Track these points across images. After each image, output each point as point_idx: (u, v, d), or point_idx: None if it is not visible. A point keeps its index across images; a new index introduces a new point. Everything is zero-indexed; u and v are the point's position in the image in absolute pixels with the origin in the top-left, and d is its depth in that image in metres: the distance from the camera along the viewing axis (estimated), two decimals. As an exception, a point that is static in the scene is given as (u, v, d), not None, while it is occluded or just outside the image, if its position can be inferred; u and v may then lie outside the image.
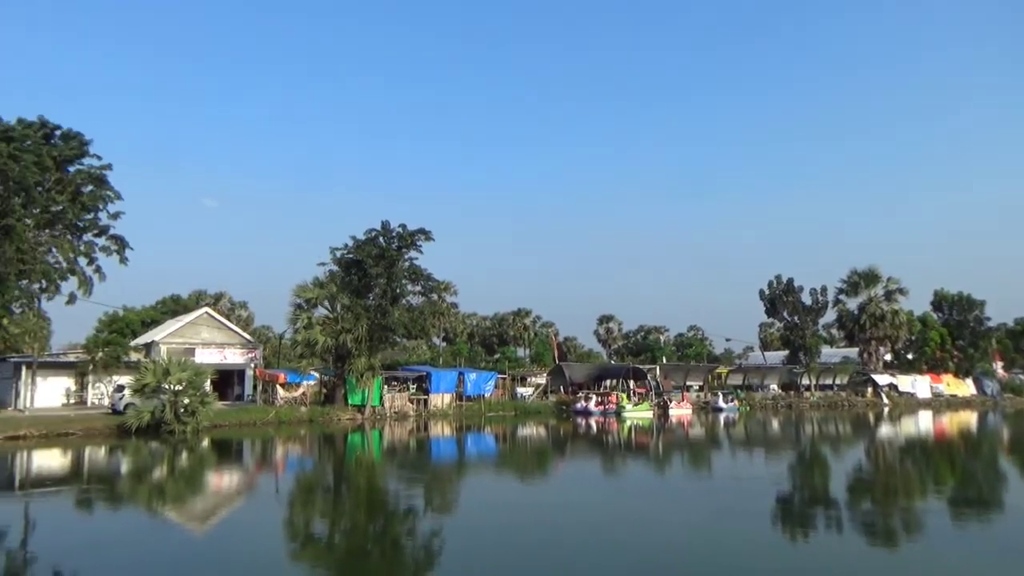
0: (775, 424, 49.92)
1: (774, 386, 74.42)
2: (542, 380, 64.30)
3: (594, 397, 57.49)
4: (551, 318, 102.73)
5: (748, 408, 63.47)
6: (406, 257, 48.17)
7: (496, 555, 12.96)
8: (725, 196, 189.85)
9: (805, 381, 74.82)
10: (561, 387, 62.61)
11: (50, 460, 29.29)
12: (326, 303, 47.16)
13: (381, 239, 47.69)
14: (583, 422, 49.60)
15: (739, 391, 67.37)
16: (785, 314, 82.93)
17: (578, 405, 56.17)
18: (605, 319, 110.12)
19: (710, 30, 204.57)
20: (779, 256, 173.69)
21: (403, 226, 48.08)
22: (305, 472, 26.59)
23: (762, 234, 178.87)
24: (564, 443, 38.19)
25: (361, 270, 47.24)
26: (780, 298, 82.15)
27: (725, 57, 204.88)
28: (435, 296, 50.57)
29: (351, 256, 47.74)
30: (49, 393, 46.47)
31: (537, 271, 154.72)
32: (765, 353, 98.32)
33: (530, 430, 44.43)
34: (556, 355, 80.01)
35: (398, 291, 48.13)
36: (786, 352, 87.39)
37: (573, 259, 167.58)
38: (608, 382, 65.76)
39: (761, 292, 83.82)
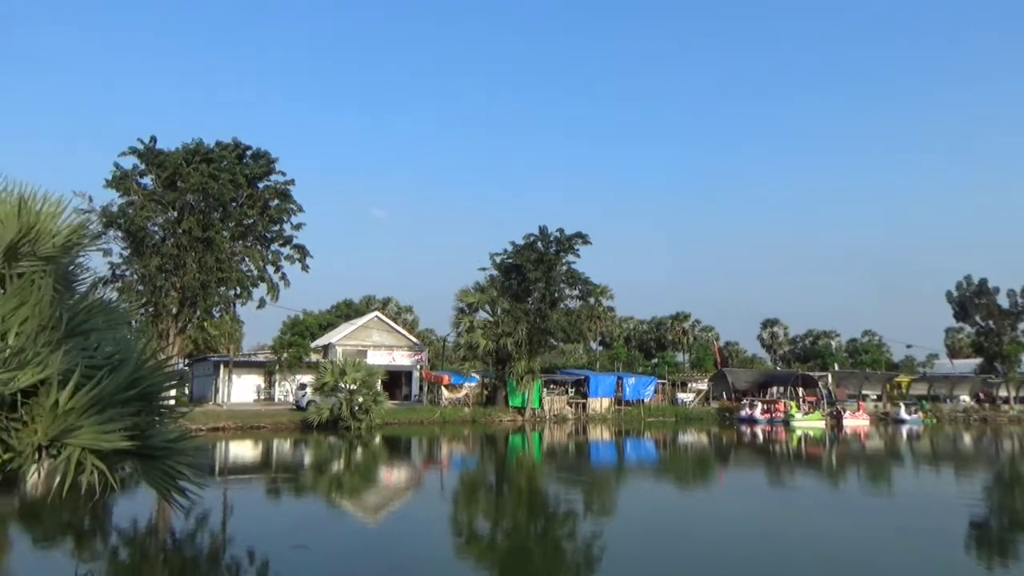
0: (967, 439, 45.42)
1: (965, 397, 67.82)
2: (703, 386, 62.55)
3: (760, 404, 55.10)
4: (711, 322, 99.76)
5: (935, 421, 58.23)
6: (564, 261, 48.67)
7: (656, 562, 12.75)
8: (901, 189, 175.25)
9: (1003, 392, 67.49)
10: (723, 393, 60.57)
11: (244, 450, 32.31)
12: (487, 307, 48.59)
13: (539, 244, 48.51)
14: (748, 430, 47.67)
15: (924, 402, 61.95)
16: (977, 318, 75.19)
17: (743, 413, 54.07)
18: (769, 323, 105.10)
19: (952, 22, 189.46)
20: (969, 255, 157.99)
21: (560, 230, 48.67)
22: (469, 470, 27.52)
23: (949, 231, 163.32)
24: (728, 451, 36.89)
25: (520, 275, 48.28)
26: (971, 301, 74.60)
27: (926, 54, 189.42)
28: (592, 300, 50.65)
29: (511, 261, 48.92)
30: (243, 389, 51.20)
31: (695, 273, 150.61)
32: (953, 361, 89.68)
33: (691, 437, 43.34)
34: (718, 360, 77.49)
35: (556, 295, 48.73)
36: (979, 360, 79.23)
37: (734, 260, 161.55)
38: (774, 389, 62.79)
39: (948, 294, 76.59)
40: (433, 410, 47.15)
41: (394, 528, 16.27)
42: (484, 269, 49.80)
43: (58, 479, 6.28)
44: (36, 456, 6.00)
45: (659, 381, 59.05)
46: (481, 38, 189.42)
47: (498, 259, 49.64)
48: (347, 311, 76.22)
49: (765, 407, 54.58)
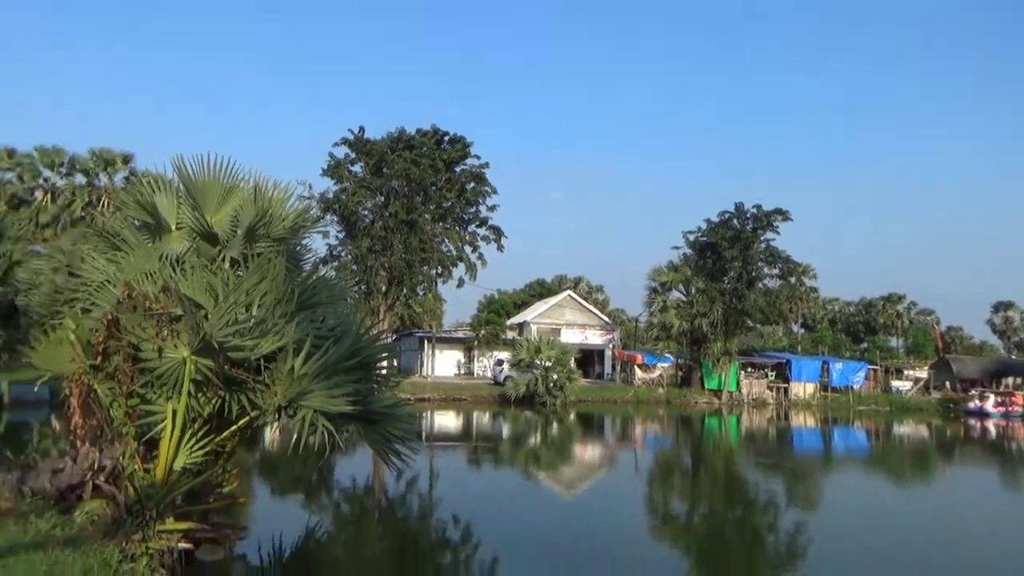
0: None
1: None
2: (922, 374, 56.92)
3: (992, 396, 49.15)
4: (930, 304, 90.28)
5: None
6: (762, 239, 46.26)
7: (869, 562, 11.82)
8: None
9: None
10: (947, 383, 54.73)
11: (447, 420, 34.25)
12: (680, 286, 47.48)
13: (735, 221, 46.48)
14: (977, 424, 42.75)
15: None
16: None
17: (971, 405, 48.53)
18: (1003, 306, 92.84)
19: None
20: None
21: (758, 207, 46.27)
22: (663, 451, 27.19)
23: None
24: (953, 446, 33.36)
25: (715, 253, 46.62)
26: None
27: None
28: (793, 279, 47.69)
29: (705, 239, 47.36)
30: (444, 364, 54.13)
31: (908, 251, 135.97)
32: None
33: (908, 428, 39.69)
34: (939, 347, 70.09)
35: (754, 274, 46.50)
36: None
37: (957, 236, 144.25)
38: (1009, 380, 55.68)
39: None
40: (626, 389, 47.06)
41: (589, 503, 16.49)
42: (677, 248, 48.66)
43: (294, 437, 7.00)
44: (276, 415, 6.76)
45: (870, 367, 54.55)
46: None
47: (691, 237, 48.25)
48: (540, 290, 77.94)
49: (999, 399, 48.61)
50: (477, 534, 12.36)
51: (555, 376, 38.92)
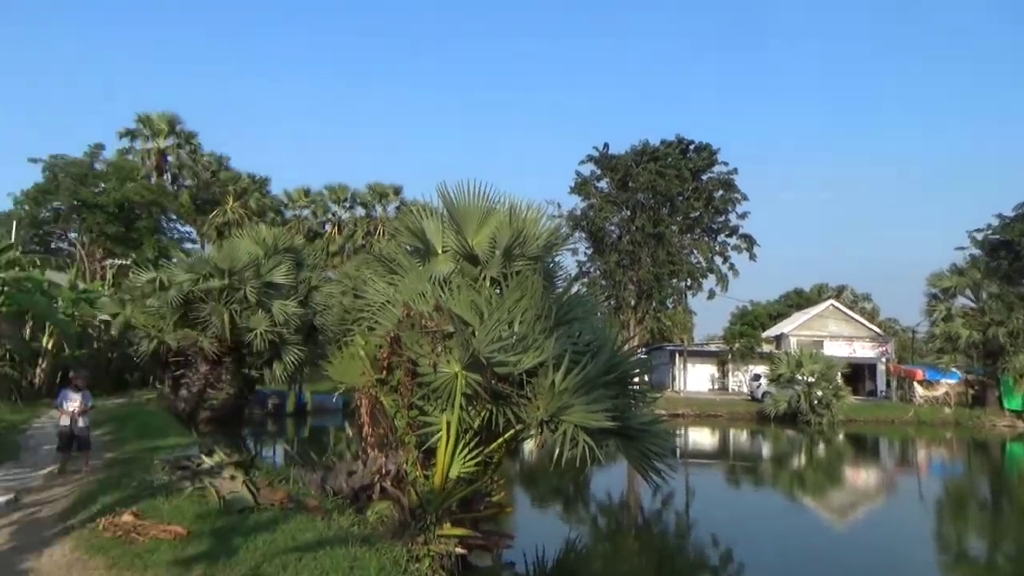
0: None
1: None
2: None
3: None
4: None
5: None
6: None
7: None
8: None
9: None
10: None
11: (702, 437, 33.24)
12: (968, 292, 41.68)
13: (1037, 213, 39.92)
14: None
15: None
16: None
17: None
18: None
19: None
20: None
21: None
22: (954, 479, 23.94)
23: None
24: None
25: (1012, 252, 40.31)
26: None
27: None
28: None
29: (997, 237, 41.18)
30: (697, 378, 52.68)
31: None
32: None
33: None
34: None
35: (1066, 274, 39.51)
36: None
37: None
38: None
39: None
40: (905, 409, 42.20)
41: (864, 532, 14.97)
42: (962, 249, 42.80)
43: (557, 451, 7.18)
44: (539, 429, 7.00)
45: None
46: None
47: (980, 236, 42.19)
48: (797, 300, 72.94)
49: None
50: (738, 558, 11.78)
51: (819, 392, 36.01)
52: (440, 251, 13.24)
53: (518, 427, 7.26)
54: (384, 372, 6.86)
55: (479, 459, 7.01)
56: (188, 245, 56.08)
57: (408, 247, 13.95)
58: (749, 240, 45.55)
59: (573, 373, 6.96)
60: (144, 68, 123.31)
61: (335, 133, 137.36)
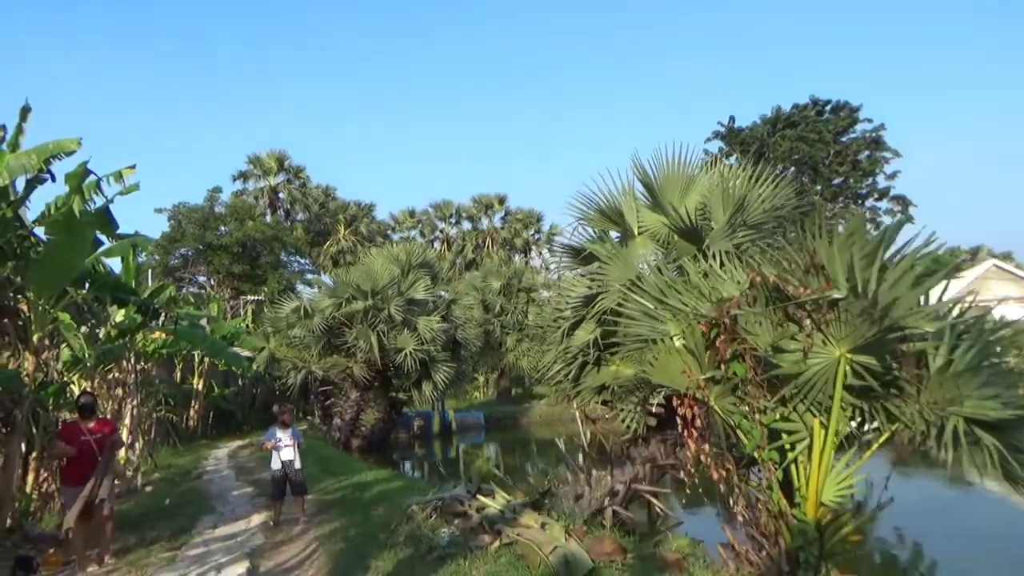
0: None
1: None
2: None
3: None
4: None
5: None
6: None
7: None
8: None
9: None
10: None
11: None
12: None
13: None
14: None
15: None
16: None
17: None
18: None
19: None
20: None
21: None
22: None
23: None
24: None
25: None
26: None
27: None
28: None
29: None
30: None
31: None
32: None
33: None
34: None
35: None
36: None
37: None
38: None
39: None
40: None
41: None
42: None
43: (944, 456, 5.16)
44: (923, 430, 5.01)
45: None
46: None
47: None
48: (935, 266, 67.02)
49: None
50: None
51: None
52: (637, 232, 11.48)
53: (893, 427, 5.23)
54: (718, 367, 5.02)
55: (852, 479, 5.05)
56: (308, 276, 56.98)
57: (594, 234, 12.26)
58: (903, 201, 41.45)
59: (964, 348, 4.93)
60: (245, 109, 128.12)
61: (431, 150, 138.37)
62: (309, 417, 28.54)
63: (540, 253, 65.34)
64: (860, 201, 42.41)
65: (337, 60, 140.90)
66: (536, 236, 67.25)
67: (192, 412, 25.41)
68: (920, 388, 4.95)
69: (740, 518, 5.17)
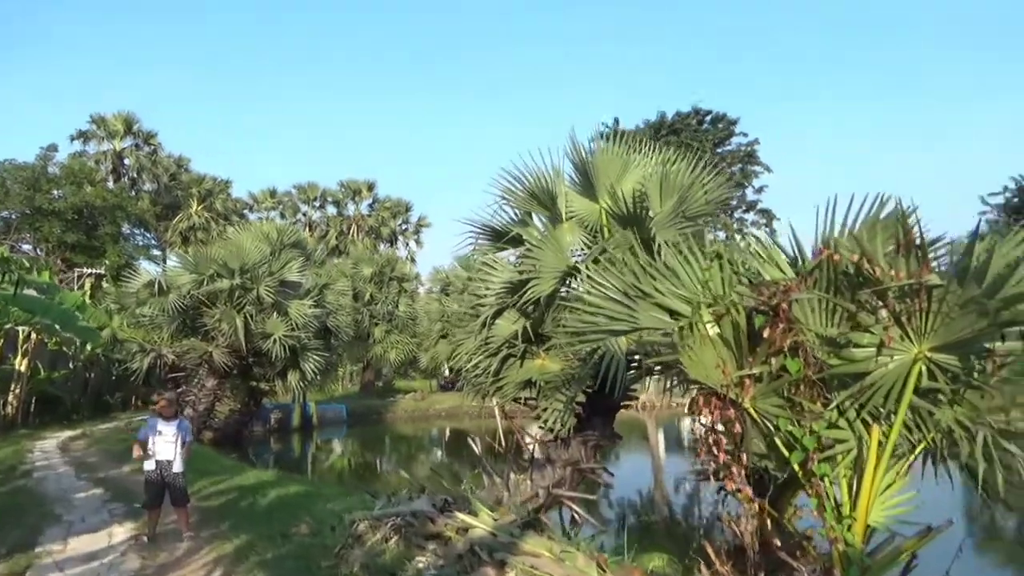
0: None
1: None
2: None
3: None
4: None
5: None
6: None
7: None
8: None
9: None
10: None
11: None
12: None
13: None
14: None
15: None
16: None
17: None
18: None
19: None
20: None
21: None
22: None
23: None
24: None
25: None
26: None
27: None
28: None
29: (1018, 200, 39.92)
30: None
31: None
32: None
33: None
34: None
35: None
36: None
37: None
38: None
39: None
40: None
41: None
42: (984, 213, 41.19)
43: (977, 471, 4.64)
44: (956, 442, 4.44)
45: None
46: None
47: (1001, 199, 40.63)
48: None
49: None
50: None
51: None
52: (565, 217, 10.66)
53: (929, 436, 4.64)
54: (765, 361, 4.20)
55: (902, 496, 4.39)
56: (154, 252, 52.21)
57: (516, 215, 11.33)
58: (769, 215, 43.63)
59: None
60: (93, 64, 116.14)
61: (298, 133, 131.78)
62: (153, 407, 25.65)
63: (408, 244, 63.76)
64: (731, 212, 44.29)
65: (204, 32, 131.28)
66: (404, 226, 65.40)
67: (11, 397, 21.89)
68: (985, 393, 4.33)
69: (749, 541, 4.38)
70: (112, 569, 5.60)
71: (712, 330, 4.44)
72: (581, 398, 9.50)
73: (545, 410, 9.46)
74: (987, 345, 4.08)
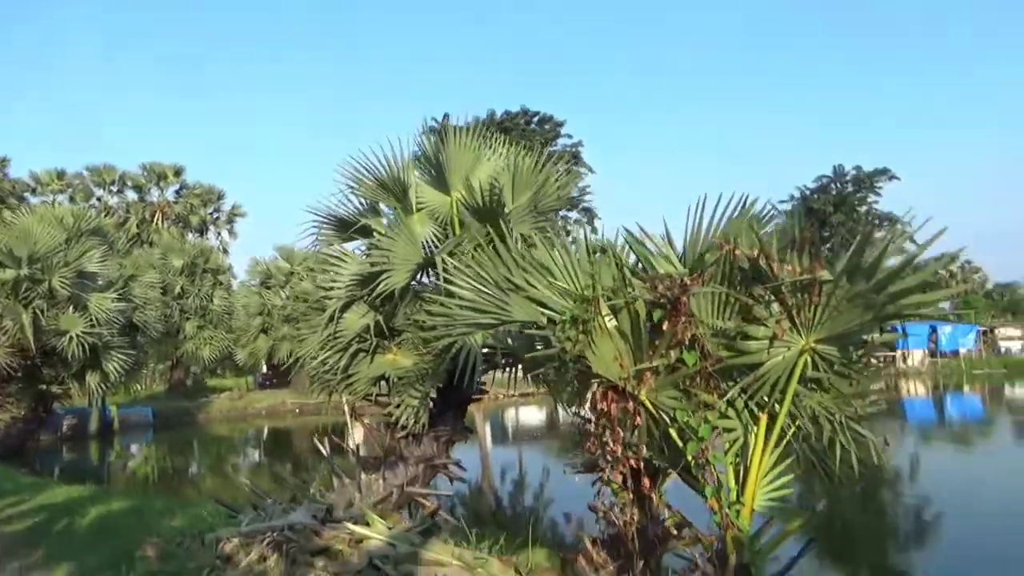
0: None
1: None
2: (1016, 331, 54.32)
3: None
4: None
5: None
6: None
7: None
8: None
9: None
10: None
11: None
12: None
13: (834, 185, 43.99)
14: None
15: None
16: None
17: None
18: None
19: None
20: None
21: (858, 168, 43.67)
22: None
23: None
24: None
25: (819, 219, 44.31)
26: None
27: None
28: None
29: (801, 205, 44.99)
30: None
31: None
32: None
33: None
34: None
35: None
36: None
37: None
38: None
39: None
40: None
41: None
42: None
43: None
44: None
45: (980, 328, 51.60)
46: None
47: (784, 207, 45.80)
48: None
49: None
50: None
51: None
52: (415, 208, 10.38)
53: (796, 424, 4.95)
54: (663, 354, 4.25)
55: (781, 484, 4.61)
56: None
57: (363, 205, 10.86)
58: (591, 214, 45.48)
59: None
60: None
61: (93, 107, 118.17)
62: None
63: (220, 233, 59.72)
64: (556, 210, 45.76)
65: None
66: (215, 215, 61.24)
67: None
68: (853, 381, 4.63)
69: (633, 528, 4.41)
70: None
71: (610, 323, 4.39)
72: (433, 393, 9.31)
73: (398, 406, 9.15)
74: (864, 337, 4.32)
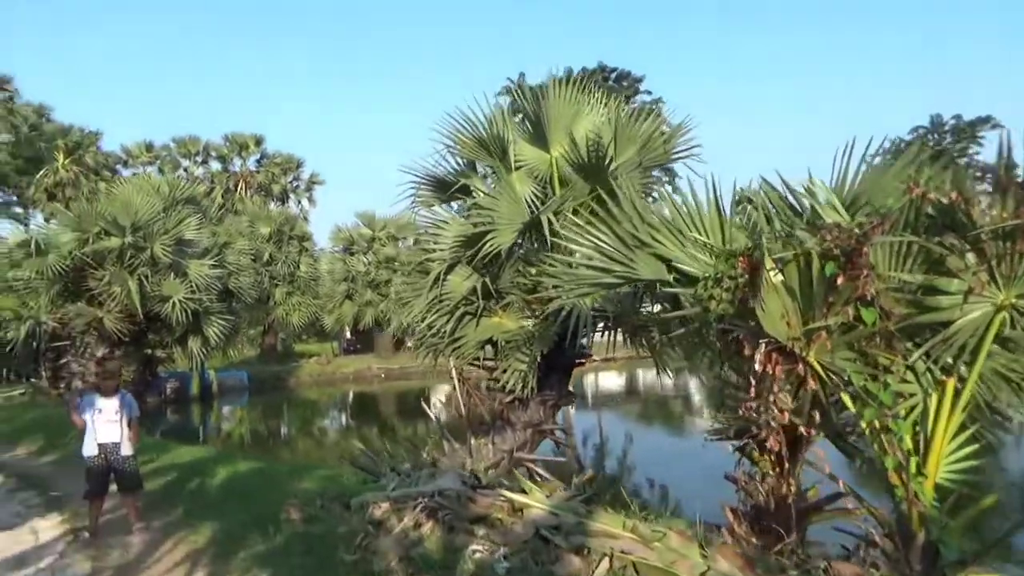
0: None
1: None
2: None
3: None
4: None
5: None
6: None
7: None
8: None
9: None
10: None
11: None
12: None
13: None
14: None
15: None
16: None
17: None
18: None
19: None
20: None
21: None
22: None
23: None
24: None
25: None
26: None
27: None
28: None
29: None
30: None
31: None
32: None
33: None
34: None
35: None
36: None
37: None
38: None
39: None
40: None
41: None
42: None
43: None
44: None
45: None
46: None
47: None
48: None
49: None
50: None
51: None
52: (515, 167, 10.09)
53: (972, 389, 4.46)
54: (832, 313, 3.86)
55: (965, 455, 4.18)
56: (15, 210, 47.51)
57: (460, 164, 10.64)
58: (671, 172, 44.29)
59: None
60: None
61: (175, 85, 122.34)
62: (34, 380, 23.41)
63: (300, 202, 60.86)
64: (661, 165, 44.79)
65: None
66: (296, 184, 62.44)
67: None
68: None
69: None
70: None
71: (776, 278, 4.03)
72: (539, 357, 9.12)
73: (504, 371, 9.00)
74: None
